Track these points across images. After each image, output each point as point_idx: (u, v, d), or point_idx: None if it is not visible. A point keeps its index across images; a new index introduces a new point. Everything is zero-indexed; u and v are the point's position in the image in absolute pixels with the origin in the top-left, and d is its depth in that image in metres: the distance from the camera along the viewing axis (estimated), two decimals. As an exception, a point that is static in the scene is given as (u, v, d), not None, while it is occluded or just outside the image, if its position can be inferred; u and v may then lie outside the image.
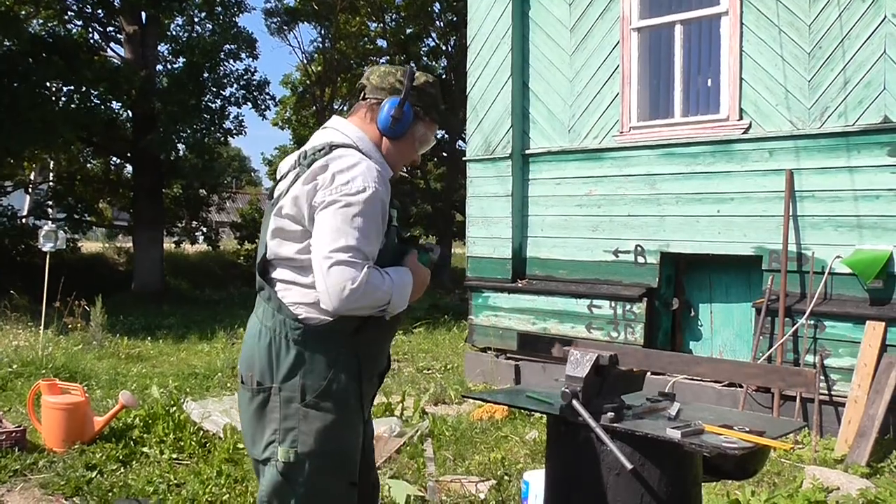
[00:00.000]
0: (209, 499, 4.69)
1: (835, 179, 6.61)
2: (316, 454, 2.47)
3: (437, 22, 25.97)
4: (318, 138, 2.66)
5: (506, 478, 5.25)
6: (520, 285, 8.65)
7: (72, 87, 16.86)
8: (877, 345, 6.18)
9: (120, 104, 18.41)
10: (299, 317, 2.48)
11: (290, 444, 2.46)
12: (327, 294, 2.36)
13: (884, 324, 6.20)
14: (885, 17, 6.32)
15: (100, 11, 19.16)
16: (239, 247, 24.70)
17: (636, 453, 2.58)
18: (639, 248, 7.81)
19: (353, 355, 2.55)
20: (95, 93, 16.93)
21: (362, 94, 2.70)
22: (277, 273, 2.56)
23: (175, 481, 5.02)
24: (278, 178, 2.69)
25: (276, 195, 2.61)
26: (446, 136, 27.34)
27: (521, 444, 6.14)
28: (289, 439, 2.47)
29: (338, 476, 2.56)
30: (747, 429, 2.62)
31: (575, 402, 2.63)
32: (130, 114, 19.10)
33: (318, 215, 2.43)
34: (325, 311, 2.44)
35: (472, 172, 9.24)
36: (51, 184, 21.39)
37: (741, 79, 7.15)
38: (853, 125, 6.51)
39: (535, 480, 4.05)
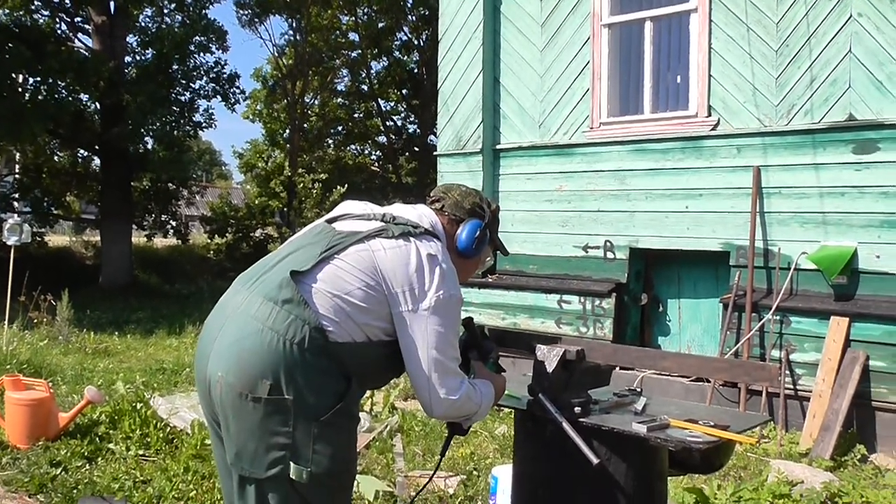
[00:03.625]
0: (176, 495, 4.65)
1: (801, 176, 6.69)
2: (330, 474, 2.32)
3: (410, 16, 25.90)
4: (408, 212, 2.61)
5: (475, 473, 5.26)
6: (490, 280, 8.67)
7: (38, 79, 16.60)
8: (841, 340, 6.27)
9: (88, 96, 18.15)
10: (326, 328, 2.32)
11: (305, 463, 2.28)
12: (430, 401, 2.43)
13: (848, 319, 6.29)
14: (851, 15, 6.41)
15: (67, 1, 18.88)
16: (209, 241, 24.48)
17: (602, 447, 2.59)
18: (608, 244, 7.86)
19: (368, 371, 2.47)
20: (63, 84, 16.68)
21: (441, 207, 2.71)
22: (310, 280, 2.38)
23: (141, 478, 4.97)
24: (341, 213, 2.65)
25: (342, 230, 2.52)
26: (418, 130, 27.34)
27: (491, 439, 6.16)
28: (303, 457, 2.28)
29: (346, 493, 2.50)
30: (712, 423, 2.64)
31: (542, 397, 2.64)
32: (98, 106, 18.85)
33: (426, 316, 2.39)
34: (345, 337, 2.35)
35: (443, 167, 9.23)
36: (16, 176, 21.07)
37: (710, 76, 7.22)
38: (819, 123, 6.59)
39: (504, 475, 4.06)
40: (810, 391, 6.38)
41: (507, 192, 8.68)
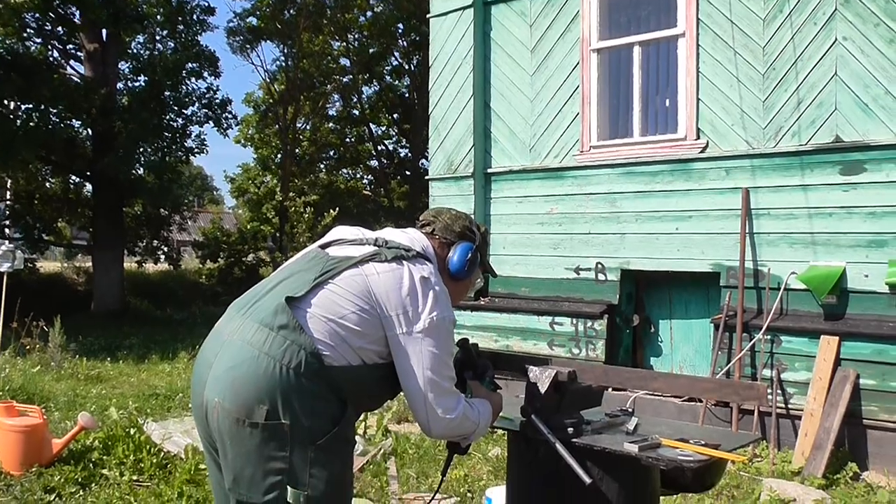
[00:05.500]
0: (170, 520, 4.65)
1: (789, 197, 6.77)
2: (326, 497, 2.33)
3: (401, 41, 26.14)
4: (400, 237, 2.65)
5: (469, 495, 5.27)
6: (482, 303, 8.70)
7: (30, 105, 16.65)
8: (831, 359, 6.31)
9: (80, 122, 18.20)
10: (322, 353, 2.33)
11: (302, 487, 2.29)
12: (427, 421, 2.47)
13: (838, 338, 6.34)
14: (836, 39, 6.51)
15: (60, 29, 18.96)
16: (201, 266, 24.46)
17: (595, 467, 2.62)
18: (599, 266, 7.91)
19: (364, 394, 2.50)
20: (54, 111, 16.72)
21: (431, 230, 2.74)
22: (305, 305, 2.40)
23: (135, 503, 4.96)
24: (333, 238, 2.68)
25: (335, 255, 2.55)
26: (409, 154, 27.45)
27: (484, 460, 6.16)
28: (300, 482, 2.29)
29: None
30: (703, 442, 2.67)
31: (534, 418, 2.67)
32: (90, 132, 18.89)
33: (421, 338, 2.42)
34: (340, 360, 2.37)
35: (434, 191, 9.29)
36: (8, 202, 21.05)
37: (698, 99, 7.30)
38: (806, 144, 6.67)
39: (498, 497, 4.07)
40: (802, 410, 6.41)
41: (498, 215, 8.73)
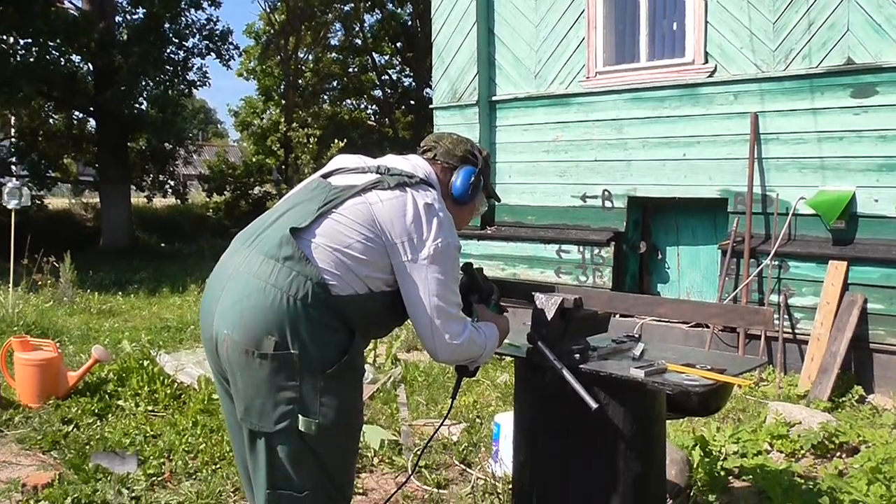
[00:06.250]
0: (186, 449, 4.73)
1: (799, 121, 6.68)
2: (337, 425, 2.37)
3: (403, -33, 25.56)
4: (402, 163, 2.63)
5: (478, 420, 5.35)
6: (489, 232, 8.71)
7: (29, 40, 16.44)
8: (839, 283, 6.32)
9: (80, 57, 18.00)
10: (328, 282, 2.34)
11: (313, 416, 2.33)
12: (434, 347, 2.49)
13: (846, 263, 6.34)
14: (848, -43, 6.34)
15: (54, -40, 18.60)
16: (207, 199, 24.48)
17: (601, 392, 2.65)
18: (606, 193, 7.88)
19: (371, 322, 2.52)
20: (53, 45, 16.53)
21: (433, 156, 2.72)
22: (310, 236, 2.40)
23: (151, 433, 5.06)
24: (335, 167, 2.67)
25: (337, 184, 2.54)
26: (413, 83, 27.11)
27: (493, 387, 6.24)
28: (310, 410, 2.33)
29: (353, 446, 2.60)
30: (709, 367, 2.69)
31: (541, 345, 2.69)
32: (91, 67, 18.70)
33: (426, 265, 2.42)
34: (348, 289, 2.38)
35: (439, 120, 9.21)
36: (13, 140, 20.99)
37: (706, 22, 7.16)
38: (817, 67, 6.55)
39: (506, 422, 4.14)
40: (809, 334, 6.45)
41: (504, 143, 8.67)
